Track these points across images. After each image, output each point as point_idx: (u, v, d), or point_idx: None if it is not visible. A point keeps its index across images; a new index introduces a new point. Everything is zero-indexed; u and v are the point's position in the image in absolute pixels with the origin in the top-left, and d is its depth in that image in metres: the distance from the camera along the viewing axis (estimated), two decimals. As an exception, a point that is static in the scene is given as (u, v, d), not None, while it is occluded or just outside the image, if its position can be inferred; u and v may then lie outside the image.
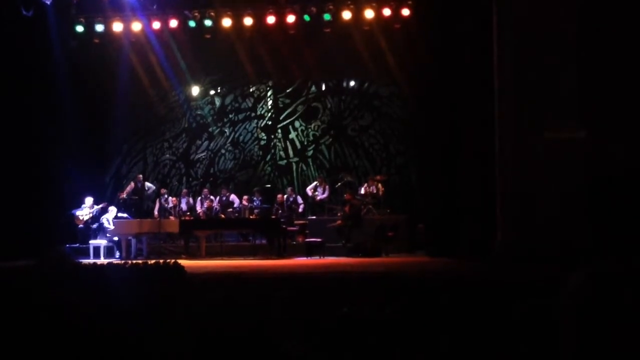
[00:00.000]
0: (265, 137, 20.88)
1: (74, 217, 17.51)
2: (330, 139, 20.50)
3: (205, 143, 21.16)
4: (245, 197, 18.85)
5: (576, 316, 2.16)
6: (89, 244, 16.96)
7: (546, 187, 12.93)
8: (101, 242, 16.93)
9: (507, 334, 4.47)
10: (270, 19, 18.06)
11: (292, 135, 20.75)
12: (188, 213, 18.68)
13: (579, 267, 2.28)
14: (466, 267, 12.52)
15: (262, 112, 20.98)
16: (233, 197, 19.06)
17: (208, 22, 18.27)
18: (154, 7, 18.12)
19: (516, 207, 13.30)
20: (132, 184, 19.03)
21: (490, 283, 8.53)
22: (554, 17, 13.09)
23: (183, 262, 8.18)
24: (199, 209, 18.93)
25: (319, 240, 16.29)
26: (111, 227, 17.08)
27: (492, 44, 13.71)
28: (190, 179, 21.16)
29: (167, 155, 21.28)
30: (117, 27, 18.52)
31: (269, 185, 19.92)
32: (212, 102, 21.19)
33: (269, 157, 20.83)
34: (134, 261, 10.86)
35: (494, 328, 4.57)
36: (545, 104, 13.12)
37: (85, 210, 17.52)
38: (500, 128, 13.58)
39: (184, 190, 19.82)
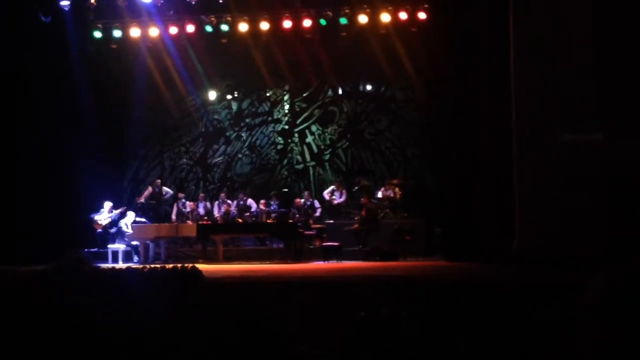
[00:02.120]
0: (282, 141, 20.91)
1: (93, 222, 17.59)
2: (347, 143, 20.49)
3: (222, 147, 21.22)
4: (262, 201, 18.88)
5: (597, 318, 2.15)
6: (107, 248, 17.04)
7: (564, 189, 12.86)
8: (119, 247, 17.00)
9: (526, 336, 4.45)
10: (287, 24, 18.10)
11: (309, 139, 20.77)
12: (205, 217, 18.73)
13: (600, 269, 2.26)
14: (484, 270, 12.47)
15: (279, 116, 21.02)
16: (250, 201, 19.09)
17: (224, 27, 18.34)
18: (171, 12, 18.20)
19: (534, 210, 13.23)
20: (150, 188, 19.13)
21: (508, 286, 8.49)
22: (570, 17, 13.03)
23: (200, 266, 8.19)
24: (216, 213, 18.98)
25: (335, 244, 16.28)
26: (129, 231, 17.15)
27: (509, 46, 13.66)
28: (208, 184, 21.22)
29: (184, 160, 21.36)
30: (135, 32, 18.65)
31: (286, 190, 19.94)
32: (229, 107, 21.25)
33: (285, 161, 20.86)
34: (152, 265, 10.91)
35: (512, 331, 4.55)
36: (563, 105, 13.05)
37: (104, 215, 17.60)
38: (518, 130, 13.52)
39: (201, 195, 19.88)
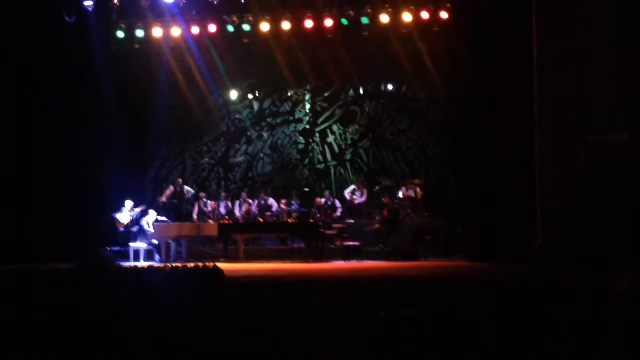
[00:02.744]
0: (303, 141, 20.93)
1: (115, 221, 17.69)
2: (369, 143, 20.47)
3: (244, 147, 21.28)
4: (283, 201, 18.91)
5: (623, 318, 2.13)
6: (129, 247, 17.13)
7: (588, 190, 12.74)
8: (141, 246, 17.09)
9: (548, 337, 4.42)
10: (309, 23, 18.09)
11: (330, 139, 20.77)
12: (227, 217, 18.78)
13: (626, 271, 2.25)
14: (506, 271, 12.40)
15: (301, 116, 21.04)
16: (271, 201, 19.13)
17: (246, 27, 18.38)
18: (193, 12, 18.27)
19: (557, 210, 13.12)
20: (172, 187, 19.20)
21: (531, 287, 8.44)
22: (596, 16, 12.90)
23: (222, 265, 8.21)
24: (237, 212, 19.03)
25: (357, 244, 16.26)
26: (151, 230, 17.24)
27: (532, 46, 13.56)
28: (229, 183, 21.28)
29: (206, 159, 21.44)
30: (157, 32, 18.74)
31: (308, 189, 19.95)
32: (251, 106, 21.31)
33: (307, 161, 20.87)
34: (174, 265, 10.95)
35: (534, 332, 4.53)
36: (587, 106, 12.93)
37: (126, 214, 17.70)
38: (541, 131, 13.41)
39: (223, 194, 19.94)
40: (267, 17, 18.29)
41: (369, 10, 17.73)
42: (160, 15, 18.38)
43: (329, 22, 17.98)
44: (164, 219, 17.86)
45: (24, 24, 16.51)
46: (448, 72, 16.93)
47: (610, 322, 2.23)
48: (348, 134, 20.64)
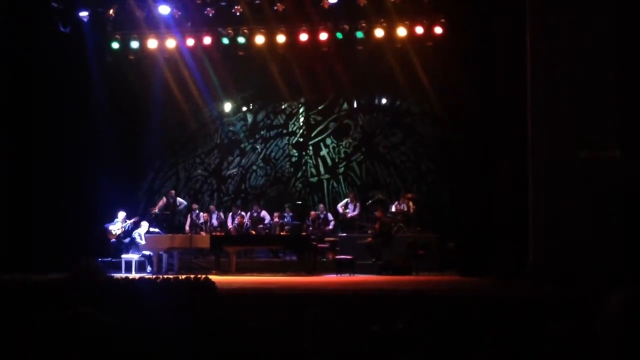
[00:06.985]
0: (296, 154, 20.93)
1: (107, 232, 17.63)
2: (362, 156, 20.49)
3: (237, 159, 21.26)
4: (276, 213, 18.89)
5: (617, 338, 2.12)
6: (121, 258, 17.05)
7: (580, 206, 12.76)
8: (133, 257, 17.01)
9: (540, 352, 4.41)
10: (303, 37, 18.11)
11: (324, 152, 20.78)
12: (219, 229, 18.73)
13: (619, 289, 2.24)
14: (497, 286, 12.40)
15: (294, 129, 21.05)
16: (264, 213, 19.10)
17: (241, 39, 18.38)
18: (188, 24, 18.29)
19: (549, 226, 13.14)
20: (164, 199, 19.15)
21: (522, 303, 8.44)
22: (590, 33, 12.95)
23: (214, 277, 8.19)
24: (230, 224, 18.99)
25: (349, 257, 16.23)
26: (143, 241, 17.18)
27: (526, 62, 13.61)
28: (222, 195, 21.25)
29: (199, 171, 21.41)
30: (152, 43, 18.70)
31: (300, 202, 19.93)
32: (245, 119, 21.31)
33: (300, 173, 20.87)
34: (165, 276, 10.91)
35: (526, 347, 4.52)
36: (581, 122, 12.97)
37: (118, 225, 17.65)
38: (534, 146, 13.45)
39: (212, 206, 19.89)
40: (262, 30, 18.30)
41: (363, 25, 17.76)
42: (155, 26, 18.35)
43: (323, 36, 17.99)
44: (156, 230, 17.80)
45: (18, 35, 16.48)
46: (442, 86, 16.97)
47: (602, 339, 2.22)
48: (341, 147, 20.66)
